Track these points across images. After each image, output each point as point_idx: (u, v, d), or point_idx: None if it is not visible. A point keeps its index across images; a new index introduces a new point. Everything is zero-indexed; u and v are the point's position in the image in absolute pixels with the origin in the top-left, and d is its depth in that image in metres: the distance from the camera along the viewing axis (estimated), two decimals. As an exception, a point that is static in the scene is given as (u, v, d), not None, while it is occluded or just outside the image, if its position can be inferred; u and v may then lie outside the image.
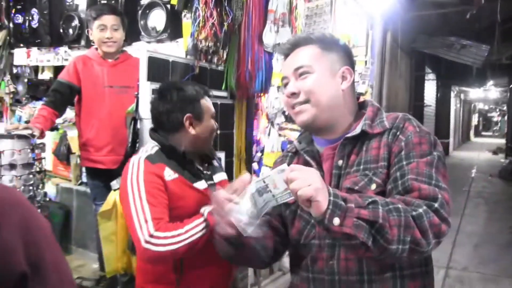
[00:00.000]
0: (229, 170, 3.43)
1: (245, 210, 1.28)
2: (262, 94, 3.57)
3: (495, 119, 48.85)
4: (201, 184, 1.98)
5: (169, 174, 1.89)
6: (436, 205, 1.24)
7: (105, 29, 3.16)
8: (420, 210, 1.21)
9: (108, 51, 3.19)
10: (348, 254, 1.37)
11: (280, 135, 4.50)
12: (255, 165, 4.16)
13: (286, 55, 1.54)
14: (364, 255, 1.29)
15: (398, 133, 1.40)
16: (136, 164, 1.87)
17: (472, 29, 8.64)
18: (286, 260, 4.54)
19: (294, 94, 1.46)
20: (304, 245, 1.47)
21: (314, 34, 1.53)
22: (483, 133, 46.19)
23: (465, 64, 9.68)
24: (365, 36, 6.48)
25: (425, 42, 9.13)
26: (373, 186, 1.36)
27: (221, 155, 3.32)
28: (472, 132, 36.10)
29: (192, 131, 1.96)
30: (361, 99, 1.61)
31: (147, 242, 1.72)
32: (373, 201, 1.20)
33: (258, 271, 3.93)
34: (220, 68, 3.32)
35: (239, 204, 1.30)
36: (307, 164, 1.49)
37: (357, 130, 1.43)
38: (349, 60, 1.53)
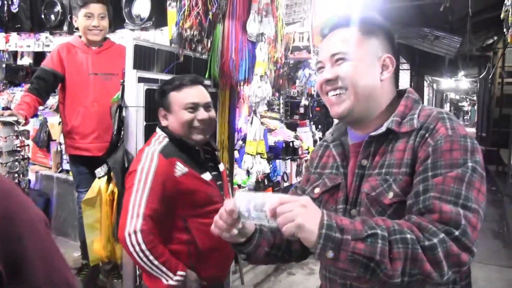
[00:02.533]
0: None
1: (239, 206, 1.23)
2: (245, 83, 3.62)
3: (465, 109, 49.77)
4: (207, 175, 2.08)
5: (180, 168, 1.98)
6: (456, 233, 1.08)
7: (91, 17, 3.16)
8: (435, 240, 1.07)
9: (94, 40, 3.19)
10: None
11: (262, 123, 4.56)
12: (236, 153, 4.22)
13: (324, 36, 1.40)
14: (366, 283, 1.24)
15: (426, 135, 1.21)
16: (150, 157, 1.97)
17: (446, 21, 8.80)
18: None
19: (329, 81, 1.33)
20: None
21: (355, 15, 1.36)
22: (454, 122, 46.91)
23: (438, 55, 9.85)
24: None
25: (400, 32, 9.28)
26: (390, 195, 1.22)
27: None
28: (443, 121, 36.66)
29: (164, 122, 2.11)
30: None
31: (129, 234, 1.86)
32: (373, 234, 1.07)
33: (239, 258, 4.00)
34: (204, 56, 3.36)
35: (239, 194, 1.26)
36: (334, 157, 1.42)
37: (383, 127, 1.28)
38: (392, 46, 1.37)
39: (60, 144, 4.33)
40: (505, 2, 4.41)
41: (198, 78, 2.20)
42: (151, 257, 1.88)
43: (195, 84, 2.13)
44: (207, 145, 2.21)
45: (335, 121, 1.53)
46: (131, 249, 1.86)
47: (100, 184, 2.81)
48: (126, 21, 3.55)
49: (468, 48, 9.53)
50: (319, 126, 6.65)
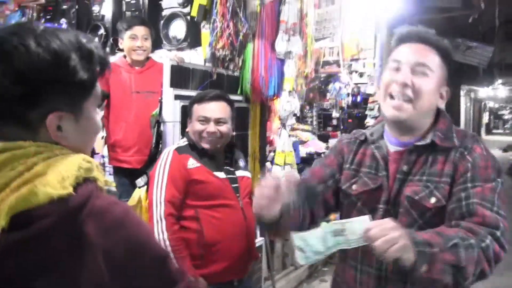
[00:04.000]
0: (244, 169, 3.69)
1: (311, 244, 1.27)
2: (274, 98, 3.82)
3: (506, 117, 48.50)
4: (220, 174, 2.33)
5: (193, 163, 2.28)
6: (498, 233, 1.28)
7: (136, 39, 3.37)
8: (488, 241, 1.25)
9: (138, 59, 3.40)
10: None
11: (290, 135, 4.73)
12: (268, 164, 4.40)
13: (406, 41, 1.51)
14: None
15: (466, 153, 1.43)
16: (167, 153, 2.33)
17: (477, 31, 8.81)
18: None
19: (403, 85, 1.44)
20: None
21: (443, 41, 1.51)
22: (494, 131, 45.69)
23: (472, 64, 9.81)
24: (373, 39, 6.65)
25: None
26: (433, 200, 1.40)
27: (237, 154, 3.58)
28: (483, 130, 35.83)
29: (188, 128, 2.42)
30: None
31: (157, 221, 2.18)
32: (455, 244, 1.21)
33: (272, 265, 4.15)
34: (236, 74, 3.58)
35: (306, 235, 1.29)
36: (374, 158, 1.54)
37: (427, 139, 1.46)
38: (449, 80, 1.52)
39: (103, 157, 4.59)
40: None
41: (219, 94, 2.40)
42: (169, 248, 2.11)
43: (214, 100, 2.34)
44: (229, 151, 2.48)
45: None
46: (157, 236, 2.11)
47: (140, 194, 3.02)
48: (164, 41, 3.78)
49: (501, 57, 9.49)
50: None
